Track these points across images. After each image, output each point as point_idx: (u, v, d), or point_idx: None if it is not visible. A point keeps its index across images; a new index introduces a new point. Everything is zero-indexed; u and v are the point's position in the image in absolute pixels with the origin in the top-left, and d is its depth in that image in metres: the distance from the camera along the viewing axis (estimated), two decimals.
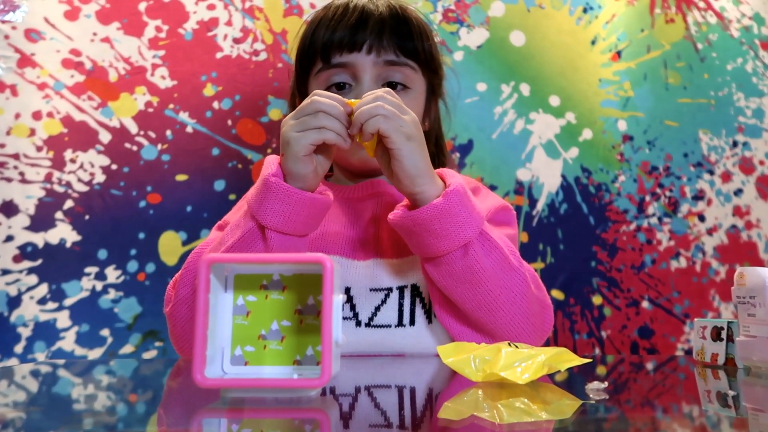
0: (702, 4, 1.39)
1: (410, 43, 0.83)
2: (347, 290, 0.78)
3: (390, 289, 0.78)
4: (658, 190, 1.30)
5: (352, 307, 0.77)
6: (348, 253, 0.80)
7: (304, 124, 0.67)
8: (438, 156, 0.96)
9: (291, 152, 0.67)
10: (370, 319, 0.76)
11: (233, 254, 0.69)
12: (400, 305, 0.77)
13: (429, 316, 0.77)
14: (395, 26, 0.82)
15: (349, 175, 0.88)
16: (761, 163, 1.37)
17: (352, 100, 0.69)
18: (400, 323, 0.76)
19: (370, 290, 0.77)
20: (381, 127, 0.66)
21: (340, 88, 0.83)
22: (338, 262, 0.79)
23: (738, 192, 1.34)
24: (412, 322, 0.76)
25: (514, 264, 0.72)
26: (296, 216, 0.68)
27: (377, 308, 0.77)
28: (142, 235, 1.07)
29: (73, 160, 1.06)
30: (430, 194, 0.69)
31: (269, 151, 1.14)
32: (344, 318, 0.76)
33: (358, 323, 0.76)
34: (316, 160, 0.69)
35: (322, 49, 0.82)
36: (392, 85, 0.83)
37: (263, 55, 1.16)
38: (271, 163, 0.70)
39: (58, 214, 1.04)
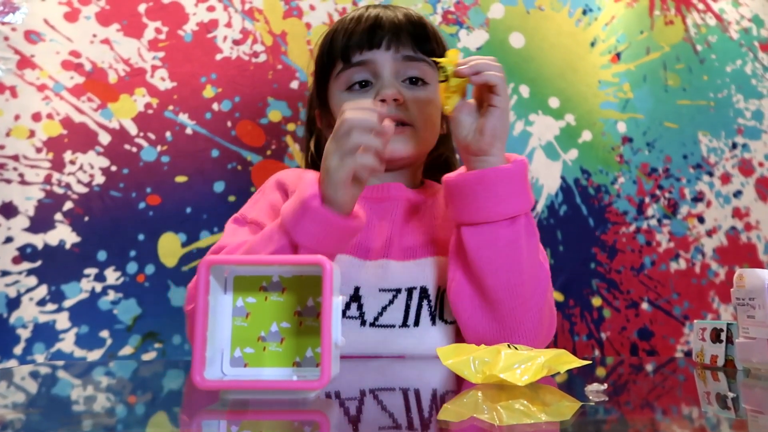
0: (701, 6, 1.39)
1: (426, 43, 0.86)
2: (356, 289, 0.77)
3: (399, 290, 0.78)
4: (658, 192, 1.30)
5: (360, 307, 0.77)
6: (360, 253, 0.80)
7: (341, 149, 0.66)
8: (451, 158, 0.96)
9: (330, 181, 0.67)
10: (376, 318, 0.76)
11: (233, 256, 0.69)
12: (407, 306, 0.77)
13: (434, 318, 0.77)
14: (411, 28, 0.85)
15: None
16: (760, 164, 1.37)
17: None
18: (404, 324, 0.76)
19: (380, 290, 0.77)
20: (499, 82, 0.69)
21: (362, 86, 0.85)
22: (349, 261, 0.79)
23: (737, 194, 1.34)
24: (416, 323, 0.76)
25: (541, 260, 0.75)
26: (329, 239, 0.69)
27: (384, 308, 0.77)
28: (141, 237, 1.07)
29: (72, 162, 1.06)
30: (499, 161, 0.72)
31: (269, 152, 1.14)
32: (350, 317, 0.76)
33: (363, 323, 0.76)
34: (353, 184, 0.69)
35: (342, 51, 0.84)
36: (412, 80, 0.85)
37: (263, 57, 1.16)
38: (311, 182, 0.70)
39: (58, 216, 1.04)
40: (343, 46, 0.84)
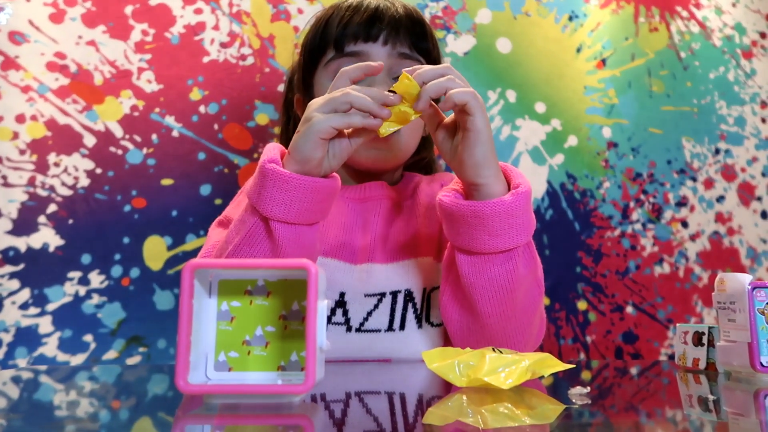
0: (685, 14, 1.41)
1: (424, 42, 0.83)
2: (341, 295, 0.77)
3: (383, 294, 0.77)
4: (642, 197, 1.32)
5: (345, 312, 0.76)
6: (345, 256, 0.79)
7: (331, 104, 0.61)
8: (432, 162, 0.96)
9: (309, 131, 0.61)
10: (361, 324, 0.76)
11: (217, 260, 0.69)
12: (392, 310, 0.76)
13: (420, 321, 0.77)
14: (410, 24, 0.82)
15: (354, 174, 0.86)
16: (743, 170, 1.39)
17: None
18: (390, 328, 0.76)
19: (365, 296, 0.77)
20: (470, 102, 0.60)
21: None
22: (335, 265, 0.78)
23: (720, 199, 1.36)
24: (402, 327, 0.76)
25: (539, 277, 0.71)
26: (298, 203, 0.63)
27: (369, 313, 0.76)
28: (126, 240, 1.06)
29: (57, 164, 1.05)
30: (495, 189, 0.64)
31: (255, 155, 1.14)
32: (336, 323, 0.76)
33: (349, 328, 0.76)
34: (330, 148, 0.63)
35: (336, 40, 0.81)
36: None
37: (250, 60, 1.16)
38: (270, 149, 0.65)
39: (41, 218, 1.03)
40: (338, 35, 0.80)
